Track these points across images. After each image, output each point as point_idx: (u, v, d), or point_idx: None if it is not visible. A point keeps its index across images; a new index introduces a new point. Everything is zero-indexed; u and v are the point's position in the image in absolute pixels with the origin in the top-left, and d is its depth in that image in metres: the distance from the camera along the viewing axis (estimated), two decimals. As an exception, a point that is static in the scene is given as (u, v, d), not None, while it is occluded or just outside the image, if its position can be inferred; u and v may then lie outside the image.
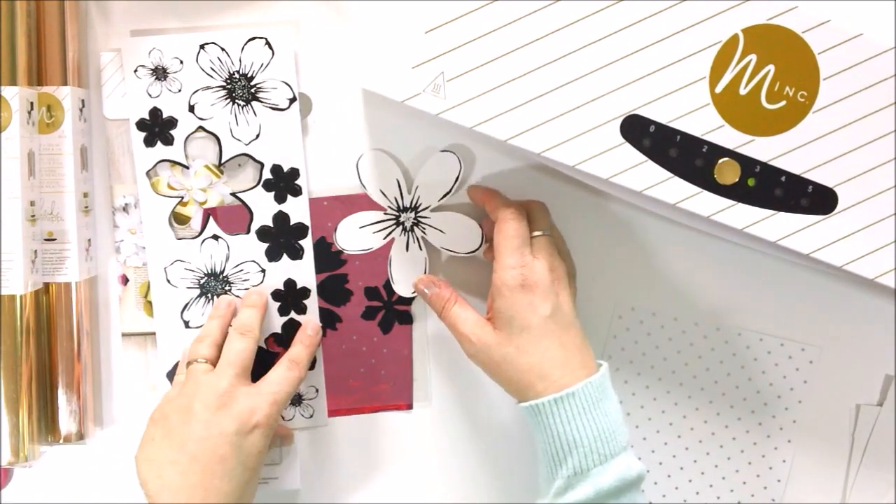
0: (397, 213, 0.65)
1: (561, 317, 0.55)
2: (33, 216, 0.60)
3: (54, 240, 0.61)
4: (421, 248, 0.65)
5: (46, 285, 0.62)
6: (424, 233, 0.65)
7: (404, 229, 0.65)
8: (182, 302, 0.65)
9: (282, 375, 0.59)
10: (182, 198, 0.64)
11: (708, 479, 0.69)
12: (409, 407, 0.66)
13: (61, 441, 0.63)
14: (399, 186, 0.64)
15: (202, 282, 0.65)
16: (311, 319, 0.64)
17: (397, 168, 0.64)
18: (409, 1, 0.54)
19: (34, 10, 0.60)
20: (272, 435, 0.57)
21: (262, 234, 0.64)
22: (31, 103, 0.60)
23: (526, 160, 0.65)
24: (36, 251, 0.61)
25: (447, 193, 0.64)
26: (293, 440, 0.65)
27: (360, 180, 0.64)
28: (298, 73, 0.63)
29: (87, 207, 0.63)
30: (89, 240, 0.64)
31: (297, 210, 0.64)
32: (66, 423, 0.63)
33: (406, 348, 0.65)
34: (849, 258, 0.56)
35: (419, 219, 0.65)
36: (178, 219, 0.64)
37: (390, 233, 0.65)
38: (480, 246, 0.64)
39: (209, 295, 0.65)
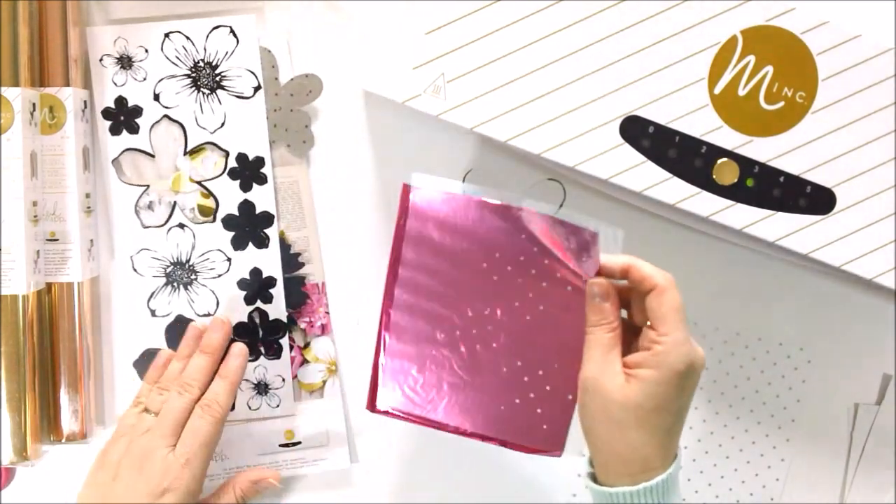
0: None
1: (685, 410, 0.52)
2: (36, 216, 0.60)
3: (56, 240, 0.62)
4: None
5: (49, 285, 0.62)
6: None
7: None
8: (148, 291, 0.65)
9: (193, 428, 0.57)
10: (147, 187, 0.64)
11: (706, 478, 0.69)
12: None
13: (63, 440, 0.63)
14: None
15: (168, 270, 0.65)
16: (237, 343, 0.62)
17: (502, 189, 0.64)
18: (410, 2, 0.54)
19: (36, 12, 0.60)
20: (192, 492, 0.56)
21: (228, 222, 0.65)
22: (34, 104, 0.60)
23: (528, 161, 0.65)
24: (38, 251, 0.61)
25: None
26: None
27: None
28: (293, 61, 0.63)
29: (89, 208, 0.63)
30: (91, 240, 0.64)
31: (263, 198, 0.64)
32: (69, 422, 0.63)
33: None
34: (847, 258, 0.56)
35: None
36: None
37: None
38: None
39: (175, 284, 0.65)
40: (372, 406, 0.54)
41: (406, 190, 0.52)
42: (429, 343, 0.53)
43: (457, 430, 0.54)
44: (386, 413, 0.54)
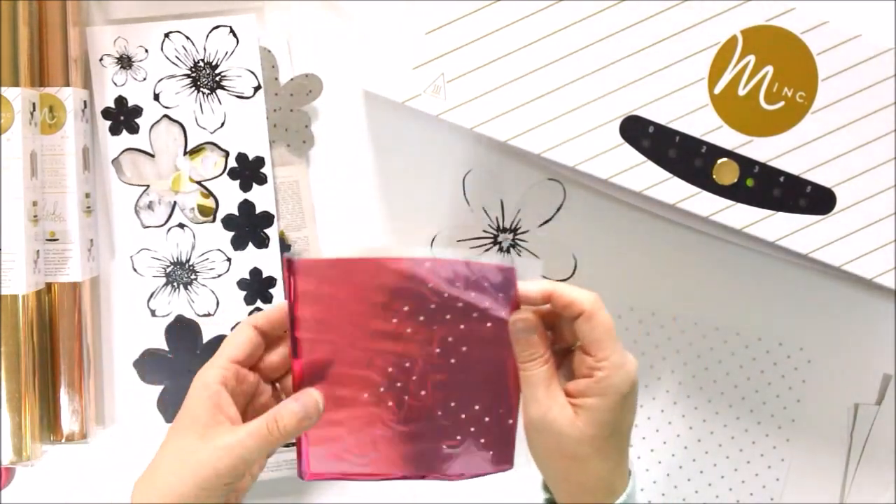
0: (496, 233, 0.65)
1: (632, 424, 0.51)
2: (35, 216, 0.60)
3: (56, 240, 0.62)
4: None
5: (49, 285, 0.62)
6: (520, 255, 0.66)
7: (500, 249, 0.66)
8: (148, 291, 0.65)
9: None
10: (147, 187, 0.64)
11: (706, 478, 0.69)
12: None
13: (63, 440, 0.63)
14: (502, 207, 0.65)
15: (168, 270, 0.65)
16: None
17: (502, 188, 0.65)
18: (410, 2, 0.54)
19: (36, 12, 0.60)
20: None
21: (228, 222, 0.65)
22: (34, 104, 0.60)
23: (528, 161, 0.65)
24: (38, 251, 0.61)
25: (548, 220, 0.65)
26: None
27: (465, 196, 0.65)
28: (293, 61, 0.63)
29: (89, 208, 0.63)
30: (91, 240, 0.64)
31: (263, 198, 0.64)
32: (69, 422, 0.63)
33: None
34: (847, 258, 0.56)
35: (516, 241, 0.65)
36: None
37: (486, 251, 0.66)
38: (572, 275, 0.66)
39: (175, 284, 0.65)
40: (301, 474, 0.53)
41: (290, 267, 0.49)
42: (354, 405, 0.52)
43: (403, 477, 0.54)
44: (320, 477, 0.53)
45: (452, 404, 0.52)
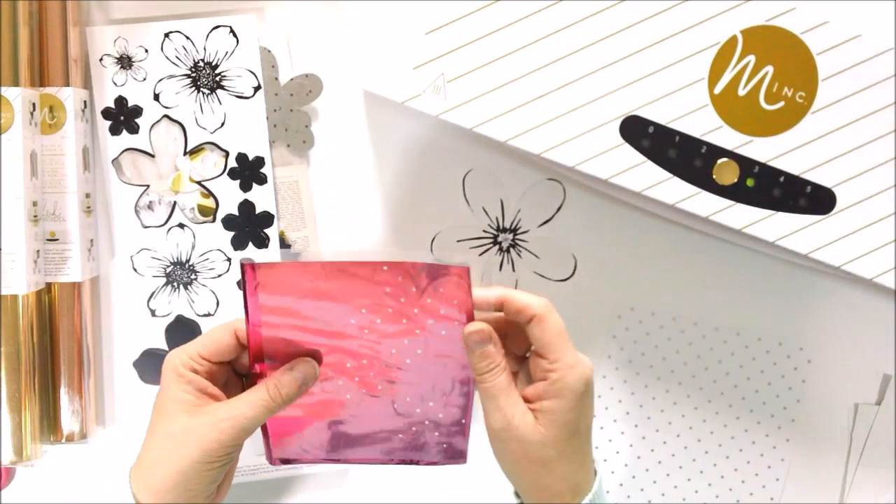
0: (496, 233, 0.65)
1: (592, 422, 0.52)
2: (36, 216, 0.60)
3: (56, 240, 0.62)
4: (514, 270, 0.66)
5: (49, 285, 0.62)
6: (519, 255, 0.65)
7: (500, 249, 0.66)
8: (148, 291, 0.65)
9: None
10: (147, 186, 0.64)
11: (706, 477, 0.69)
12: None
13: (63, 440, 0.63)
14: (502, 207, 0.65)
15: (168, 270, 0.65)
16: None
17: (502, 188, 0.65)
18: (410, 2, 0.54)
19: (36, 12, 0.60)
20: None
21: (228, 222, 0.65)
22: (34, 104, 0.60)
23: (528, 161, 0.65)
24: (38, 251, 0.61)
25: (548, 220, 0.65)
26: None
27: (465, 196, 0.65)
28: (293, 61, 0.63)
29: (89, 208, 0.63)
30: (91, 240, 0.64)
31: (263, 198, 0.64)
32: (69, 422, 0.63)
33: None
34: (847, 258, 0.56)
35: (516, 241, 0.65)
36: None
37: (486, 250, 0.66)
38: (572, 275, 0.66)
39: (175, 284, 0.65)
40: (270, 460, 0.55)
41: (249, 269, 0.49)
42: (312, 396, 0.53)
43: (360, 461, 0.55)
44: (286, 462, 0.55)
45: (408, 399, 0.53)
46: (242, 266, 0.50)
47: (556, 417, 0.49)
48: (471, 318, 0.50)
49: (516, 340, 0.52)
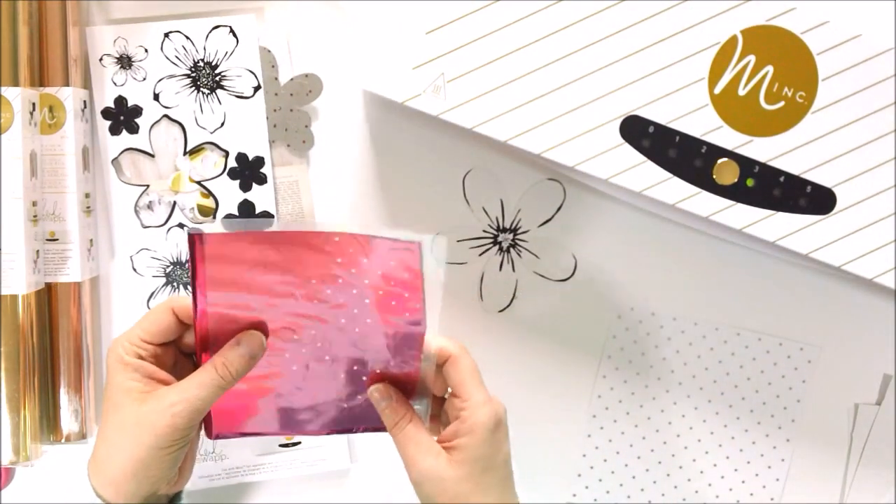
0: (496, 233, 0.65)
1: (509, 457, 0.54)
2: (35, 216, 0.60)
3: (56, 240, 0.62)
4: (514, 270, 0.66)
5: (48, 285, 0.62)
6: (519, 255, 0.66)
7: (500, 249, 0.66)
8: (148, 291, 0.65)
9: None
10: (147, 186, 0.64)
11: (706, 478, 0.69)
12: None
13: (63, 440, 0.63)
14: (502, 207, 0.65)
15: (168, 270, 0.65)
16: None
17: (502, 188, 0.65)
18: (410, 1, 0.54)
19: (36, 12, 0.60)
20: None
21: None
22: (34, 104, 0.60)
23: (528, 161, 0.65)
24: (38, 251, 0.61)
25: (548, 220, 0.65)
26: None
27: (465, 196, 0.65)
28: (293, 61, 0.64)
29: (88, 208, 0.63)
30: (91, 240, 0.64)
31: (263, 198, 0.64)
32: (68, 422, 0.63)
33: None
34: (847, 258, 0.56)
35: (516, 241, 0.65)
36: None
37: (486, 250, 0.66)
38: (572, 275, 0.66)
39: (175, 284, 0.65)
40: (209, 434, 0.55)
41: (196, 239, 0.48)
42: (259, 368, 0.52)
43: (304, 432, 0.56)
44: (226, 436, 0.55)
45: (355, 367, 0.54)
46: (190, 236, 0.48)
47: (469, 454, 0.52)
48: (421, 290, 0.51)
49: (436, 383, 0.55)
